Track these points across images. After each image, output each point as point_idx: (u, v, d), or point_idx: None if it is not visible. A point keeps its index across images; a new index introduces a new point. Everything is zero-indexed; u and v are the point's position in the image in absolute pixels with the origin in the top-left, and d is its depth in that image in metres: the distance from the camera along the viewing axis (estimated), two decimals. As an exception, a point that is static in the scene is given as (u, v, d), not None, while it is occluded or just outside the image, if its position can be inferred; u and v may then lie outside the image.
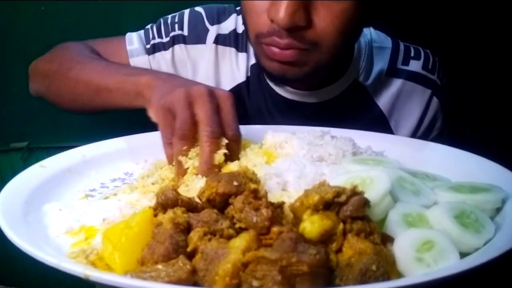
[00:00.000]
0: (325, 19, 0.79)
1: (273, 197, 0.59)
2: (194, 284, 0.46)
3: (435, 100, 1.05)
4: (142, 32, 1.06)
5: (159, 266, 0.46)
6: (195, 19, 1.04)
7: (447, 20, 1.69)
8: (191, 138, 0.69)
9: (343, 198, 0.50)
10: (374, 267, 0.46)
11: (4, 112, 1.46)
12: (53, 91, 1.01)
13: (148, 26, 1.06)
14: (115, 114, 0.92)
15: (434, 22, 1.67)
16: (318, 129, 0.82)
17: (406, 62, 1.04)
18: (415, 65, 1.04)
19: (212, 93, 0.71)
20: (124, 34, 1.07)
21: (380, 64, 1.03)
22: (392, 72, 1.03)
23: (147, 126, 0.83)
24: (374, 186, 0.56)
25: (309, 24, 0.78)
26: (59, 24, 1.41)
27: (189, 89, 0.70)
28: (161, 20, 1.06)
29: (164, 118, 0.71)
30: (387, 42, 1.06)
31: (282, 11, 0.75)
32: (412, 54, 1.05)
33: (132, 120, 0.88)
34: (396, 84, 1.03)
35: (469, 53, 1.71)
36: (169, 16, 1.06)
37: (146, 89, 0.80)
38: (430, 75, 1.04)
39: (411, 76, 1.03)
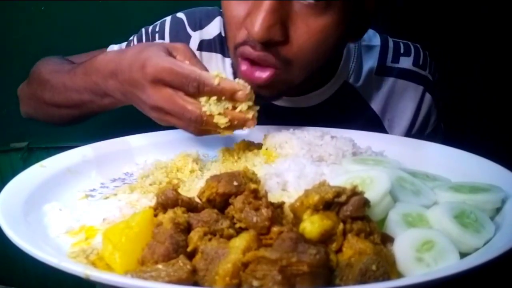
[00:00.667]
0: (303, 36, 0.75)
1: (273, 197, 0.59)
2: (194, 284, 0.46)
3: (428, 96, 1.03)
4: (124, 44, 1.05)
5: (160, 266, 0.46)
6: (176, 26, 1.01)
7: (447, 20, 1.69)
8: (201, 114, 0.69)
9: (343, 198, 0.50)
10: (374, 267, 0.46)
11: (4, 112, 1.46)
12: (41, 113, 1.02)
13: (131, 37, 1.05)
14: (115, 114, 0.92)
15: (434, 22, 1.67)
16: (318, 129, 0.82)
17: (396, 59, 1.02)
18: (405, 62, 1.02)
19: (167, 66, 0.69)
20: (124, 33, 1.07)
21: (369, 63, 1.01)
22: (382, 71, 1.01)
23: (147, 126, 0.84)
24: (374, 186, 0.56)
25: (286, 39, 0.75)
26: (59, 24, 1.41)
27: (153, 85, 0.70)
28: (143, 29, 1.04)
29: (166, 119, 0.72)
30: (376, 39, 1.04)
31: (257, 25, 0.71)
32: (402, 51, 1.03)
33: (132, 120, 0.88)
34: (387, 83, 1.01)
35: (469, 53, 1.71)
36: (151, 26, 1.04)
37: (119, 99, 0.79)
38: (421, 71, 1.03)
39: (402, 74, 1.01)
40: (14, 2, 1.37)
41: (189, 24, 1.01)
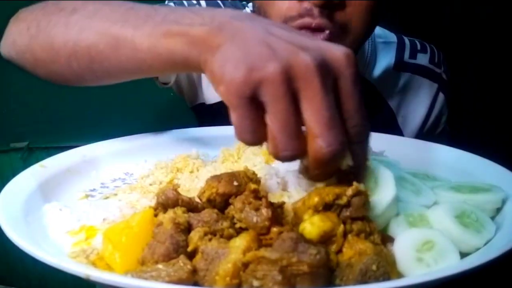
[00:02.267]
0: (357, 1, 0.76)
1: (273, 197, 0.59)
2: (195, 284, 0.46)
3: (441, 95, 1.05)
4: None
5: (160, 266, 0.46)
6: (214, 5, 0.98)
7: (441, 20, 1.70)
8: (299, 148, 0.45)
9: (344, 199, 0.50)
10: (374, 267, 0.46)
11: (4, 112, 1.46)
12: (39, 44, 0.67)
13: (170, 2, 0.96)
14: (115, 114, 0.92)
15: (428, 22, 1.68)
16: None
17: (413, 55, 1.03)
18: (422, 59, 1.04)
19: (324, 65, 0.44)
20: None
21: (386, 59, 1.02)
22: (400, 66, 1.02)
23: (147, 126, 0.84)
24: (379, 192, 0.56)
25: (343, 3, 0.76)
26: (59, 24, 1.41)
27: (288, 62, 0.43)
28: (171, 3, 0.96)
29: (248, 115, 0.44)
30: (392, 37, 1.05)
31: None
32: (419, 48, 1.05)
33: (133, 120, 0.88)
34: (404, 78, 1.02)
35: (463, 53, 1.71)
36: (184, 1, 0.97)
37: (204, 49, 0.48)
38: (437, 69, 1.04)
39: (419, 70, 1.03)
40: (14, 2, 1.37)
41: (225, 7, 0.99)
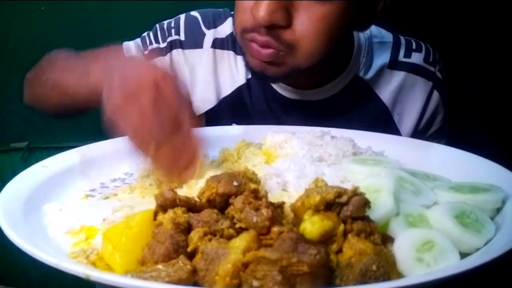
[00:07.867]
0: (305, 22, 0.79)
1: (273, 197, 0.59)
2: (195, 284, 0.46)
3: (436, 93, 1.05)
4: (139, 40, 1.06)
5: (160, 266, 0.46)
6: (192, 23, 1.04)
7: (440, 20, 1.70)
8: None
9: (344, 198, 0.50)
10: (374, 267, 0.46)
11: (4, 112, 1.47)
12: (35, 97, 1.01)
13: (145, 34, 1.06)
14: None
15: (427, 22, 1.68)
16: (318, 129, 0.82)
17: (408, 54, 1.04)
18: (416, 58, 1.04)
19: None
20: (124, 34, 1.07)
21: (381, 58, 1.03)
22: (394, 65, 1.03)
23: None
24: (378, 202, 0.56)
25: (288, 24, 0.79)
26: (59, 24, 1.41)
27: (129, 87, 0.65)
28: (157, 26, 1.06)
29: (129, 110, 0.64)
30: (388, 36, 1.06)
31: (262, 9, 0.76)
32: (414, 47, 1.06)
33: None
34: (399, 77, 1.03)
35: (465, 53, 1.71)
36: (165, 22, 1.06)
37: (99, 89, 0.72)
38: (431, 67, 1.05)
39: (413, 69, 1.04)
40: (14, 2, 1.37)
41: (203, 23, 1.04)
